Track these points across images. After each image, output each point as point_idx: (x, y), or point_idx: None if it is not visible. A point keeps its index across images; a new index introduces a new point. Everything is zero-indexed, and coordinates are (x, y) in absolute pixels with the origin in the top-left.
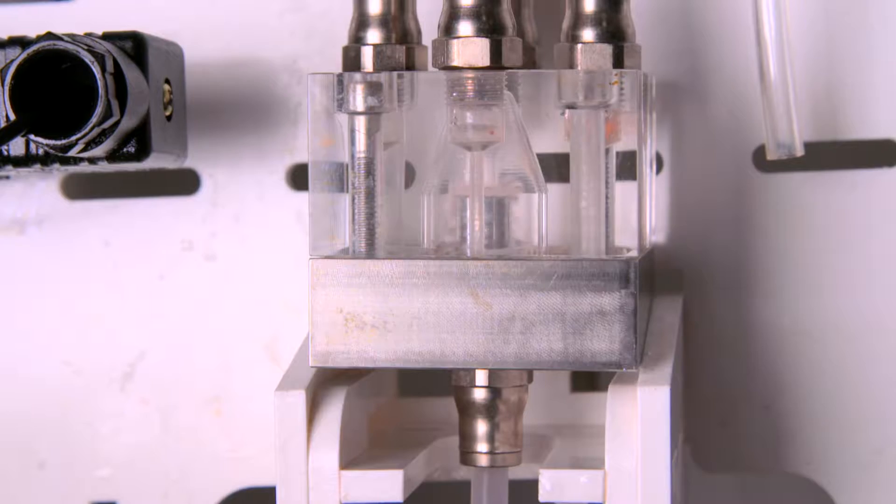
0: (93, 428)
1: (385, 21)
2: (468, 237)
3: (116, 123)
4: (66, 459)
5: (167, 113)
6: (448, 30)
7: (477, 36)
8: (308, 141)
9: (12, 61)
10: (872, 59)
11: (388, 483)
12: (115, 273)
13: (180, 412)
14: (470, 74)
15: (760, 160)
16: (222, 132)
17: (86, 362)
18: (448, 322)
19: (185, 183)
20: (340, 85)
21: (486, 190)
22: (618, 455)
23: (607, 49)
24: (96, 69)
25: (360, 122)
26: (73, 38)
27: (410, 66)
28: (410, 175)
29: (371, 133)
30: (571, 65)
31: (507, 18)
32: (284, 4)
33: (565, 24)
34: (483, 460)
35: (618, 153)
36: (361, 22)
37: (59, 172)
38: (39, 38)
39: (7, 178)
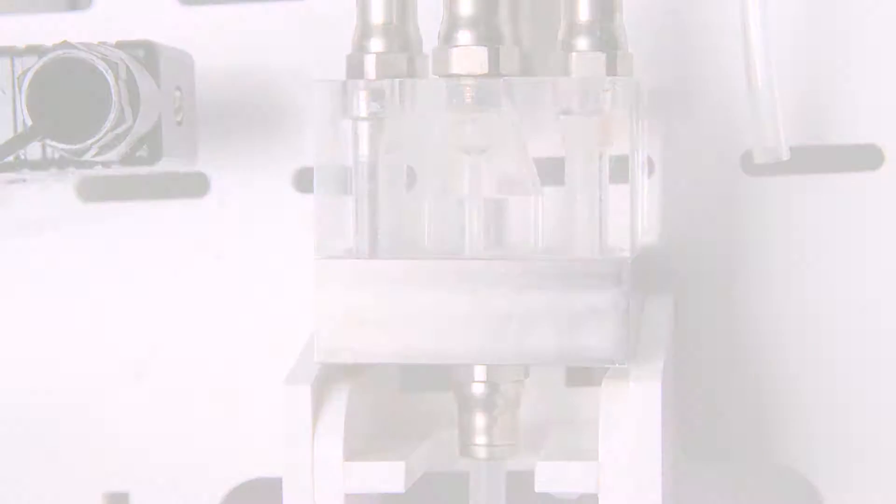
0: (106, 420)
1: (387, 30)
2: (467, 238)
3: (129, 129)
4: (79, 451)
5: (178, 118)
6: (448, 38)
7: (476, 44)
8: (313, 145)
9: (29, 69)
10: (856, 64)
11: (391, 474)
12: (129, 272)
13: (191, 406)
14: (469, 81)
15: (748, 164)
16: (231, 137)
17: (100, 358)
18: (448, 319)
19: (195, 186)
20: (344, 92)
21: (484, 193)
22: (611, 447)
23: (601, 57)
24: (110, 77)
25: (363, 128)
26: (87, 46)
27: (411, 74)
28: (411, 178)
29: (374, 138)
30: (566, 72)
31: (505, 28)
32: (290, 14)
33: (561, 32)
34: (482, 452)
35: (611, 157)
36: (364, 31)
37: (74, 176)
38: (55, 47)
39: (24, 181)
